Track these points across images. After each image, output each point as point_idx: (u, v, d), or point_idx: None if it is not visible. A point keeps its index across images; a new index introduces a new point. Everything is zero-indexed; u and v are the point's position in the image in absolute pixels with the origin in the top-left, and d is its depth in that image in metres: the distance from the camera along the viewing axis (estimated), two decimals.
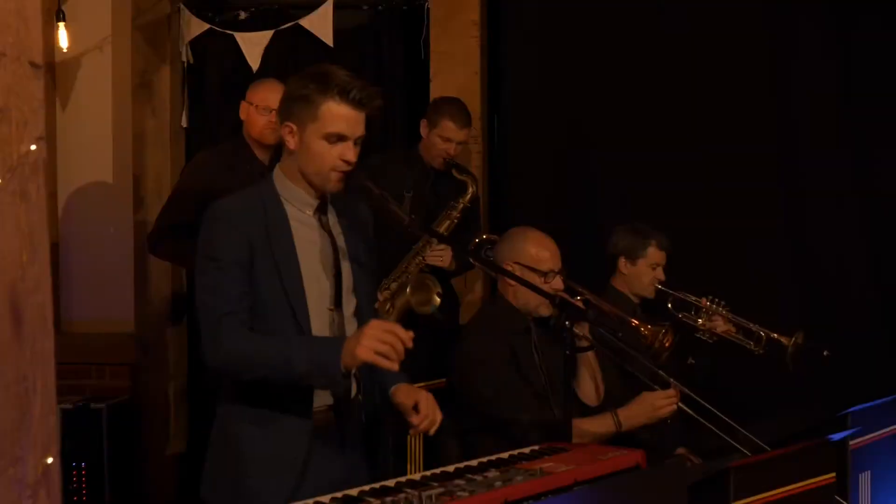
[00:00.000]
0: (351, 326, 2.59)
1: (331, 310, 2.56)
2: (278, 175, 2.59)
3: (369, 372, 2.62)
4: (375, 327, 2.35)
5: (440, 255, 4.17)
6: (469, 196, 4.29)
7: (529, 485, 2.22)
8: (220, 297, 2.45)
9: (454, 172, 4.30)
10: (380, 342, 2.32)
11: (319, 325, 2.54)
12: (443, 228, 4.21)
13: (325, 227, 2.59)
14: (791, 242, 4.78)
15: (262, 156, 4.08)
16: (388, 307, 4.08)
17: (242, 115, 4.10)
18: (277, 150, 4.04)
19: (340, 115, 2.49)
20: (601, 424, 3.25)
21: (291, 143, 2.53)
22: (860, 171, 4.74)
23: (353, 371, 2.56)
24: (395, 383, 2.63)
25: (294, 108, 2.52)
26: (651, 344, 3.80)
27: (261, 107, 4.01)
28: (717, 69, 4.83)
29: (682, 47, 4.84)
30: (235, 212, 2.52)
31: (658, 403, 3.22)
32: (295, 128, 2.52)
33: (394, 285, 4.13)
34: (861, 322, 4.68)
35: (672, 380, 3.21)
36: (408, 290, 4.03)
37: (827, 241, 4.75)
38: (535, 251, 3.34)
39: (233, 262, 2.46)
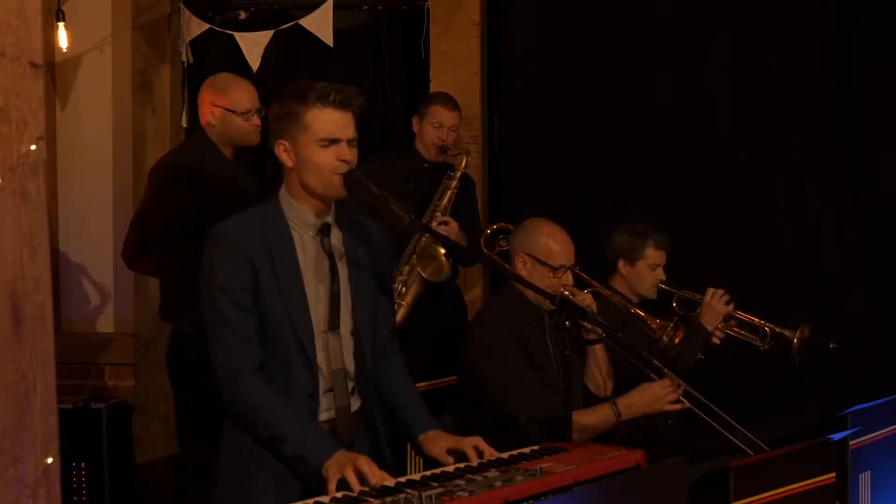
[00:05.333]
0: (348, 346, 2.62)
1: (325, 332, 2.58)
2: (283, 196, 2.61)
3: (371, 386, 2.65)
4: (368, 468, 2.33)
5: (445, 228, 4.16)
6: (464, 163, 4.35)
7: (529, 485, 2.22)
8: (234, 338, 2.49)
9: (447, 154, 4.35)
10: (355, 475, 2.31)
11: (319, 346, 2.57)
12: (445, 200, 4.27)
13: (325, 248, 2.60)
14: (791, 242, 4.78)
15: (228, 152, 3.93)
16: (402, 290, 4.12)
17: (213, 119, 3.89)
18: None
19: (326, 119, 2.52)
20: (600, 415, 3.23)
21: (289, 160, 2.56)
22: (860, 171, 4.74)
23: (352, 386, 2.62)
24: (424, 430, 2.66)
25: (282, 127, 2.56)
26: (659, 338, 3.79)
27: (244, 112, 3.85)
28: (717, 69, 4.84)
29: (681, 47, 4.84)
30: (237, 236, 2.54)
31: (659, 392, 3.20)
32: (288, 144, 2.55)
33: (406, 268, 4.17)
34: (861, 322, 4.68)
35: (666, 370, 3.19)
36: (417, 265, 4.06)
37: (827, 241, 4.75)
38: (548, 244, 3.32)
39: (240, 290, 2.50)
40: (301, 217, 2.59)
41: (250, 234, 2.54)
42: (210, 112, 3.90)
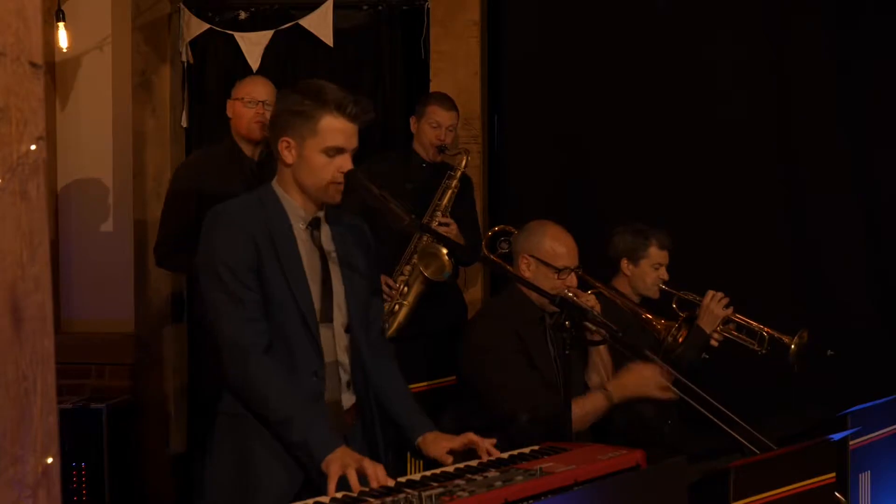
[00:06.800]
0: (341, 340, 2.62)
1: (318, 323, 2.58)
2: (276, 187, 2.63)
3: (364, 385, 2.65)
4: (372, 469, 2.33)
5: (446, 229, 4.16)
6: (463, 163, 4.35)
7: (529, 485, 2.22)
8: (242, 315, 2.48)
9: (446, 154, 4.34)
10: (356, 474, 2.31)
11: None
12: (445, 200, 4.27)
13: (315, 242, 2.61)
14: (791, 242, 4.79)
15: (251, 152, 4.14)
16: (403, 289, 4.11)
17: (229, 113, 4.17)
18: (267, 144, 4.07)
19: (339, 129, 2.54)
20: (593, 401, 3.23)
21: (289, 157, 2.57)
22: (860, 171, 4.74)
23: (348, 380, 2.63)
24: (422, 432, 2.65)
25: (291, 124, 2.56)
26: (664, 339, 3.79)
27: (247, 100, 4.08)
28: (717, 69, 4.84)
29: (682, 47, 4.84)
30: (238, 215, 2.55)
31: (648, 375, 3.21)
32: (293, 142, 2.56)
33: (407, 268, 4.17)
34: (861, 322, 4.68)
35: (657, 358, 3.19)
36: (419, 265, 4.06)
37: (827, 241, 4.75)
38: (552, 246, 3.33)
39: (244, 268, 2.49)
40: (293, 209, 2.60)
41: (251, 214, 2.55)
42: (229, 107, 4.18)
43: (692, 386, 3.18)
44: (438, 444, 2.60)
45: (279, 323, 2.52)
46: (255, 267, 2.50)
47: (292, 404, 2.45)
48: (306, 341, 2.54)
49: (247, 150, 4.13)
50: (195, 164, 4.26)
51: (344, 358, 2.62)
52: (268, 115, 4.04)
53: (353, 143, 2.57)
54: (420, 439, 2.64)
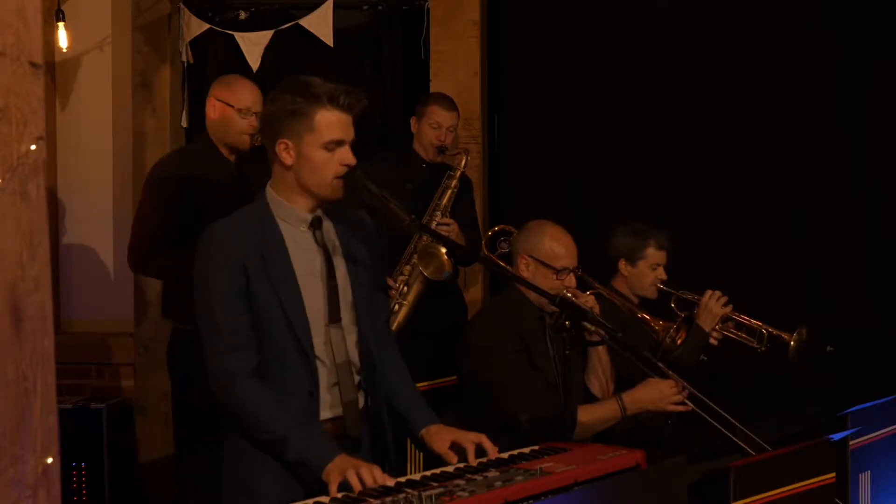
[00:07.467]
0: (351, 339, 2.61)
1: (326, 326, 2.57)
2: (270, 194, 2.60)
3: (374, 382, 2.64)
4: (369, 472, 2.33)
5: (447, 229, 4.16)
6: (463, 163, 4.34)
7: (529, 485, 2.22)
8: (228, 344, 2.48)
9: (446, 154, 4.34)
10: (357, 478, 2.31)
11: (320, 340, 2.56)
12: (445, 200, 4.26)
13: (319, 242, 2.60)
14: (791, 242, 4.79)
15: (230, 154, 3.95)
16: (403, 289, 4.11)
17: (211, 113, 3.91)
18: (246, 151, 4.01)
19: (335, 122, 2.52)
20: (607, 410, 3.25)
21: (288, 158, 2.54)
22: (860, 171, 4.74)
23: (359, 380, 2.61)
24: (425, 425, 2.64)
25: (286, 124, 2.53)
26: (662, 339, 3.80)
27: (240, 108, 3.84)
28: (717, 69, 4.84)
29: (681, 47, 4.84)
30: (228, 239, 2.52)
31: (665, 391, 3.21)
32: (290, 143, 2.53)
33: (407, 268, 4.16)
34: (861, 322, 4.68)
35: (670, 372, 3.20)
36: (419, 265, 4.06)
37: (827, 241, 4.75)
38: (551, 246, 3.33)
39: (233, 295, 2.49)
40: (292, 213, 2.57)
41: (241, 237, 2.52)
42: (212, 106, 3.92)
43: (691, 389, 3.19)
44: (441, 437, 2.59)
45: (273, 343, 2.52)
46: (245, 292, 2.49)
47: (285, 423, 2.45)
48: (299, 362, 2.53)
49: (226, 152, 3.94)
50: (171, 165, 4.03)
51: (355, 356, 2.61)
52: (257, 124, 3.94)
53: (351, 133, 2.55)
54: (423, 431, 2.63)
